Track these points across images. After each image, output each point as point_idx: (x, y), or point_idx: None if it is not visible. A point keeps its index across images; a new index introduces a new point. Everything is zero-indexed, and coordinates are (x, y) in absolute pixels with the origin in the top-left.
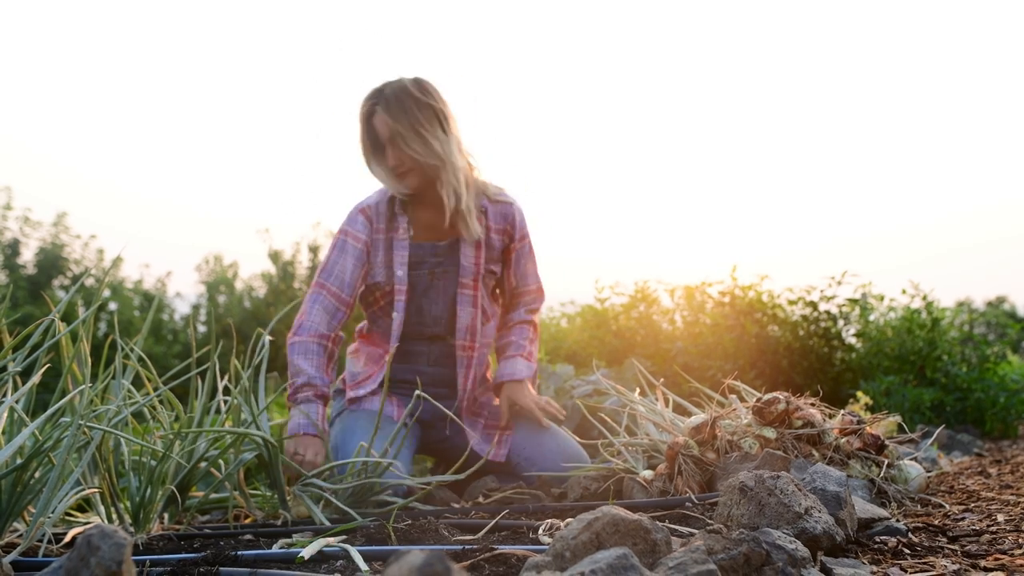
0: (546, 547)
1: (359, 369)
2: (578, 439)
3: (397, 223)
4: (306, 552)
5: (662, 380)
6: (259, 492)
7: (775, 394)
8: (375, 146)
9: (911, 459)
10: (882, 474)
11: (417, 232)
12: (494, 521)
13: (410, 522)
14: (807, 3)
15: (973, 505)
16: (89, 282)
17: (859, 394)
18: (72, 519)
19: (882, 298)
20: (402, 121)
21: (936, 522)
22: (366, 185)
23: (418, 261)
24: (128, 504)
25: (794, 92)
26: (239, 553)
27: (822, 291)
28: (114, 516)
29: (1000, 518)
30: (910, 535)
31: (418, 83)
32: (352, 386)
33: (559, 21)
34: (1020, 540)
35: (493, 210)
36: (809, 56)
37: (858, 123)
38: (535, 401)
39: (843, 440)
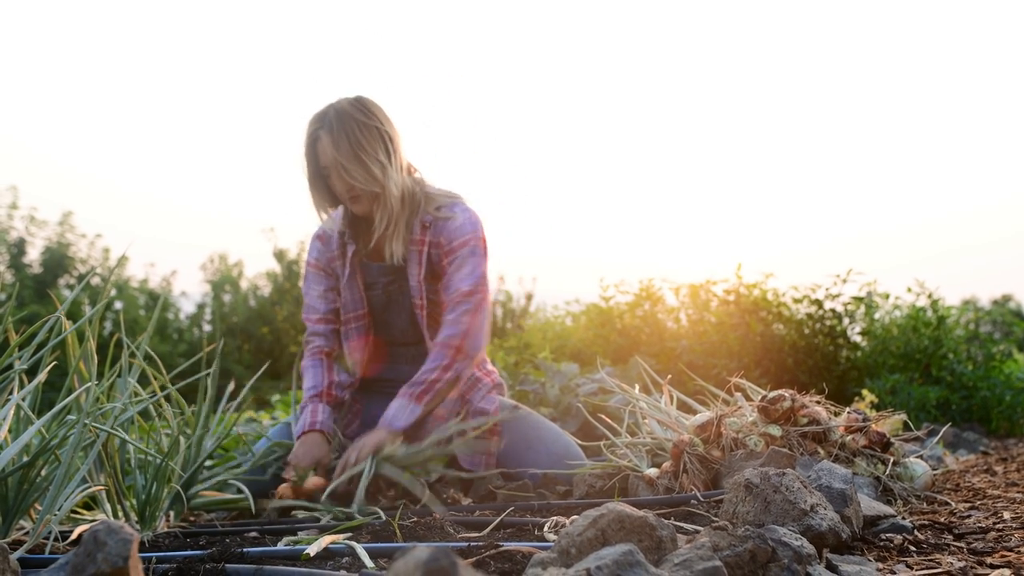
0: (551, 544)
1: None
2: (579, 442)
3: (346, 250)
4: (312, 549)
5: (668, 378)
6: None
7: (780, 392)
8: (319, 173)
9: (917, 457)
10: (888, 472)
11: (369, 253)
12: (500, 518)
13: (415, 519)
14: (810, 2)
15: (979, 503)
16: (95, 281)
17: (864, 392)
18: (78, 517)
19: (887, 296)
20: (343, 148)
21: (942, 520)
22: None
23: (372, 282)
24: (134, 502)
25: (799, 90)
26: (245, 550)
27: (827, 289)
28: (120, 514)
29: (1006, 516)
30: (916, 532)
31: (360, 104)
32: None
33: (567, 18)
34: None
35: (436, 225)
36: (813, 54)
37: (864, 121)
38: (358, 454)
39: (849, 438)
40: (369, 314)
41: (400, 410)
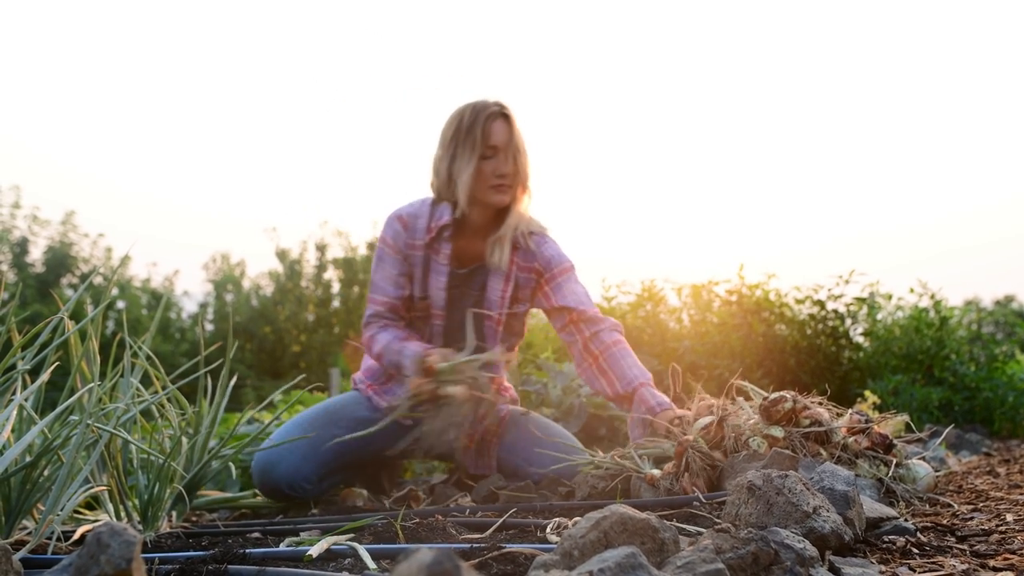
0: (553, 546)
1: (379, 366)
2: (583, 449)
3: (440, 247)
4: (314, 550)
5: (671, 370)
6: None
7: (781, 393)
8: (481, 147)
9: (919, 458)
10: (890, 473)
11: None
12: (502, 520)
13: (417, 520)
14: (811, 3)
15: (982, 505)
16: (97, 280)
17: (867, 393)
18: (81, 517)
19: (890, 297)
20: (518, 136)
21: (945, 522)
22: (371, 185)
23: (450, 286)
24: (136, 502)
25: (801, 92)
26: (247, 551)
27: (829, 290)
28: (122, 514)
29: (1009, 518)
30: (918, 535)
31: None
32: (372, 385)
33: (569, 22)
34: None
35: (526, 250)
36: (815, 56)
37: (866, 122)
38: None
39: (851, 439)
40: (441, 314)
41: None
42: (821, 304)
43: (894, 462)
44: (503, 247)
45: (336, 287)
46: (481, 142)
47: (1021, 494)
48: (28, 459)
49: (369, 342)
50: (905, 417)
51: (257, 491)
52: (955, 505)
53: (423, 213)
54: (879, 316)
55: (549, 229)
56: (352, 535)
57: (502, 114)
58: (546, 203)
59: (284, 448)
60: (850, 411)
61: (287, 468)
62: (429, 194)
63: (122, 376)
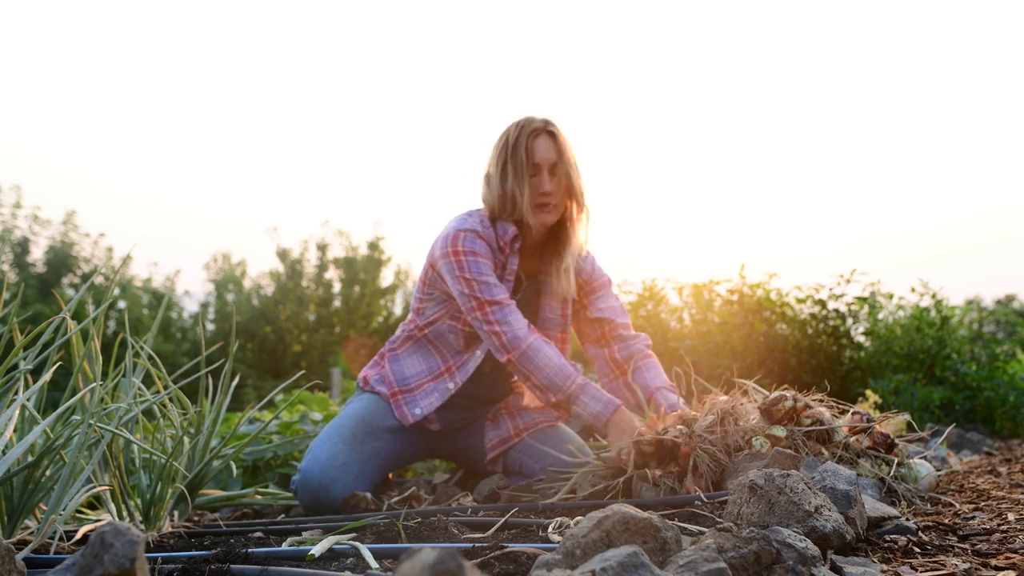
0: (555, 545)
1: (412, 373)
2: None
3: (508, 262)
4: (316, 550)
5: (673, 371)
6: (268, 491)
7: (782, 392)
8: (526, 165)
9: (921, 458)
10: (892, 473)
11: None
12: (504, 519)
13: (419, 520)
14: (811, 4)
15: (983, 504)
16: (98, 280)
17: (868, 392)
18: (83, 516)
19: (891, 296)
20: (568, 152)
21: (946, 521)
22: (375, 185)
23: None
24: (138, 501)
25: (803, 92)
26: (250, 550)
27: (831, 289)
28: (124, 514)
29: (1011, 517)
30: (920, 534)
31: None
32: (402, 391)
33: (574, 19)
34: None
35: (576, 266)
36: (816, 56)
37: (866, 122)
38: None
39: (853, 439)
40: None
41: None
42: (822, 304)
43: (896, 461)
44: (569, 276)
45: (337, 287)
46: (526, 160)
47: (1022, 493)
48: (30, 459)
49: (532, 352)
50: (906, 416)
51: (302, 508)
52: (957, 504)
53: (486, 227)
54: (880, 315)
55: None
56: (354, 535)
57: (546, 131)
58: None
59: (336, 468)
60: (851, 410)
61: (343, 488)
62: (461, 208)
63: (124, 376)
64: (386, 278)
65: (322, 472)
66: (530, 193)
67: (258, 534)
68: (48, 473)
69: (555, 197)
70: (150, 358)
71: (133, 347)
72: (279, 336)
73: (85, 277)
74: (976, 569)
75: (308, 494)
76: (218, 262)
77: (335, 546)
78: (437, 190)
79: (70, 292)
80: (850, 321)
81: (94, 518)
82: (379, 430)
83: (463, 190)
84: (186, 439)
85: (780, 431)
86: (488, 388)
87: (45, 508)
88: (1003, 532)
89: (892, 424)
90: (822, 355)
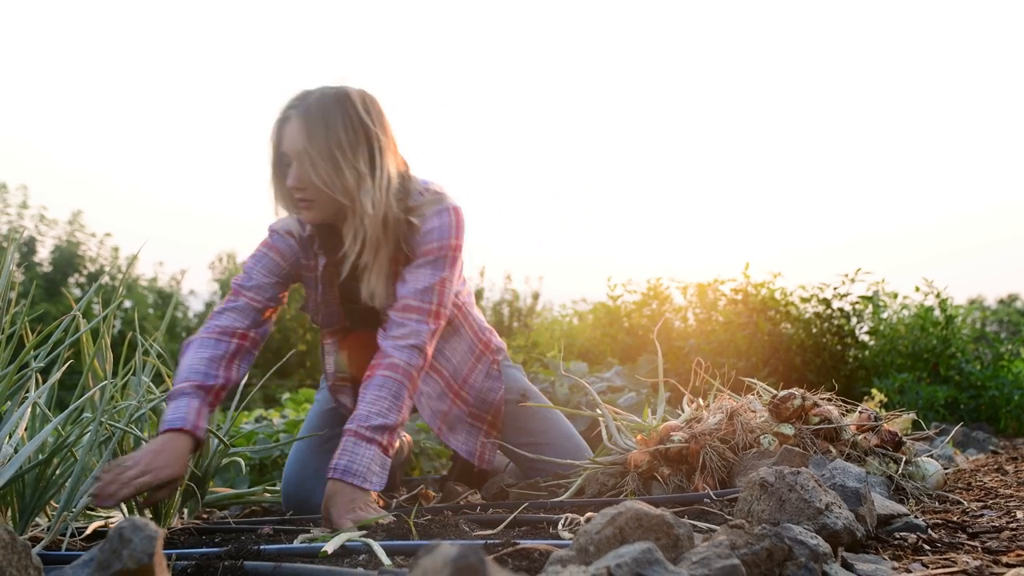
0: (567, 542)
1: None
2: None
3: (318, 261)
4: (329, 546)
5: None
6: (276, 488)
7: (791, 391)
8: (281, 162)
9: (928, 456)
10: (900, 471)
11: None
12: (513, 515)
13: (430, 517)
14: (812, 4)
15: (991, 502)
16: (104, 279)
17: (874, 391)
18: (93, 514)
19: (895, 296)
20: (317, 138)
21: (955, 519)
22: None
23: (352, 299)
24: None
25: (806, 90)
26: (262, 547)
27: (835, 288)
28: (135, 511)
29: (1019, 515)
30: (930, 531)
31: (359, 96)
32: (328, 376)
33: (578, 18)
34: None
35: (411, 247)
36: (818, 54)
37: (870, 120)
38: (348, 510)
39: (860, 437)
40: (350, 326)
41: (365, 460)
42: (827, 303)
43: (903, 459)
44: (373, 278)
45: None
46: (277, 154)
47: None
48: (41, 457)
49: (184, 348)
50: (912, 415)
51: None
52: (965, 502)
53: (301, 230)
54: (884, 315)
55: (446, 194)
56: (365, 531)
57: (290, 115)
58: (553, 202)
59: (309, 478)
60: (859, 409)
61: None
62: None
63: (133, 374)
64: None
65: (297, 487)
66: (289, 188)
67: (267, 530)
68: (59, 471)
69: (304, 192)
70: (159, 356)
71: (142, 345)
72: (284, 335)
73: (91, 277)
74: (987, 566)
75: (294, 508)
76: (223, 262)
77: (347, 543)
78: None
79: (76, 292)
80: (854, 320)
81: (104, 515)
82: (336, 420)
83: (463, 188)
84: None
85: (788, 429)
86: (364, 357)
87: (56, 505)
88: (1012, 530)
89: (898, 423)
90: (826, 354)
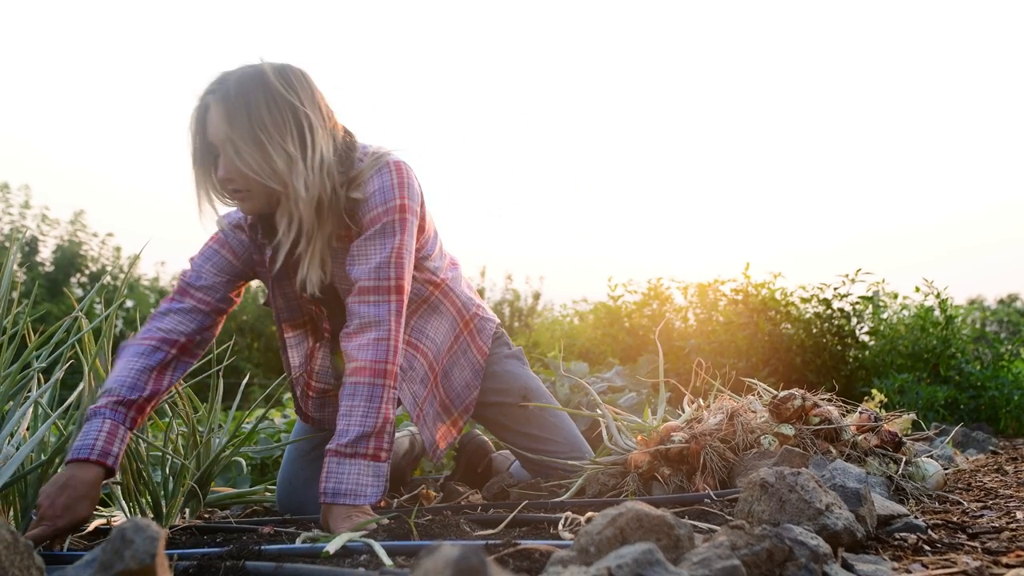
0: (568, 542)
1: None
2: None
3: (264, 252)
4: (331, 547)
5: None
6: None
7: (791, 391)
8: (206, 155)
9: (927, 456)
10: (900, 471)
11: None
12: (512, 515)
13: (430, 517)
14: (812, 4)
15: (991, 502)
16: (106, 279)
17: (874, 391)
18: (94, 512)
19: (895, 296)
20: (239, 123)
21: (955, 519)
22: None
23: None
24: (149, 499)
25: (806, 90)
26: (263, 547)
27: (835, 289)
28: (136, 510)
29: (1020, 515)
30: (930, 532)
31: (281, 73)
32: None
33: (579, 17)
34: None
35: (357, 220)
36: (819, 54)
37: (870, 121)
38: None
39: (860, 437)
40: (311, 320)
41: (354, 477)
42: (827, 303)
43: (903, 460)
44: (309, 265)
45: None
46: (202, 143)
47: None
48: (43, 457)
49: (119, 353)
50: (912, 415)
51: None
52: (965, 503)
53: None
54: (884, 315)
55: (390, 151)
56: (366, 532)
57: (208, 102)
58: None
59: (299, 489)
60: (859, 409)
61: (317, 502)
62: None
63: None
64: None
65: (289, 496)
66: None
67: (268, 530)
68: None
69: (235, 182)
70: None
71: None
72: None
73: (93, 277)
74: (987, 567)
75: (289, 511)
76: None
77: (349, 543)
78: (437, 187)
79: (78, 291)
80: (854, 320)
81: (106, 514)
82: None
83: (463, 185)
84: (197, 437)
85: (789, 429)
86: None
87: None
88: (1012, 530)
89: (898, 423)
90: (826, 354)
